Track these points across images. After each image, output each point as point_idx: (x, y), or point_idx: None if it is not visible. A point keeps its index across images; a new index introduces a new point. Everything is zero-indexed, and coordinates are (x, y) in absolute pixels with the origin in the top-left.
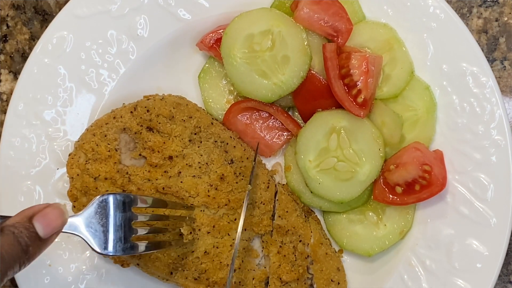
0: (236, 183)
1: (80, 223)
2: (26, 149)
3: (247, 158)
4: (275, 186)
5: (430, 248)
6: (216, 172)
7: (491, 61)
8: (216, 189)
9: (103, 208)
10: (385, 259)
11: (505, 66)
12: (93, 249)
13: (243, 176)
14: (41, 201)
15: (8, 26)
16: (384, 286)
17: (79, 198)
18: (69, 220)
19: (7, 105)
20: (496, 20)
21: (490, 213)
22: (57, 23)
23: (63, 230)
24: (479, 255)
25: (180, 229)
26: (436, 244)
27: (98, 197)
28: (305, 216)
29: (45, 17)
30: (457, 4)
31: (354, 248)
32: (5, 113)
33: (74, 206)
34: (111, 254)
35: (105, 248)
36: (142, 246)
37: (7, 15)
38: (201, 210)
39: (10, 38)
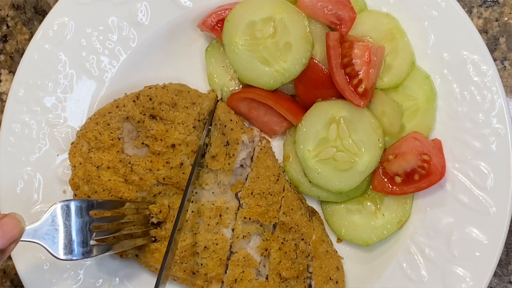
0: (229, 164)
1: (38, 231)
2: (26, 135)
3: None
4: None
5: (430, 236)
6: (211, 152)
7: None
8: (207, 167)
9: (60, 215)
10: (384, 248)
11: (505, 66)
12: (53, 255)
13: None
14: (41, 188)
15: (8, 26)
16: (383, 275)
17: (81, 186)
18: (27, 228)
19: None
20: (496, 20)
21: (490, 201)
22: (58, 10)
23: (22, 239)
24: (478, 244)
25: (148, 220)
26: (435, 232)
27: (54, 204)
28: (309, 216)
29: (45, 17)
30: None
31: (352, 238)
32: None
33: (76, 195)
34: (72, 259)
35: (65, 253)
36: (103, 247)
37: (7, 15)
38: (202, 204)
39: (10, 38)
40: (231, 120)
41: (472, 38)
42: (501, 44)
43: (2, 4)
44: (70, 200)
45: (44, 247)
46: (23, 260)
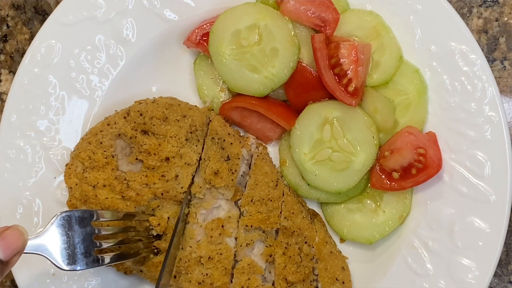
0: (232, 180)
1: (41, 242)
2: (22, 160)
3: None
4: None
5: (432, 229)
6: (212, 168)
7: (491, 61)
8: (210, 183)
9: (62, 226)
10: (387, 245)
11: (505, 66)
12: (57, 267)
13: (238, 173)
14: (40, 211)
15: (8, 26)
16: (389, 271)
17: (79, 207)
18: (30, 240)
19: None
20: (496, 20)
21: (489, 189)
22: (44, 32)
23: (25, 251)
24: (481, 233)
25: (148, 232)
26: (437, 225)
27: (56, 215)
28: (310, 218)
29: (45, 17)
30: (457, 4)
31: (355, 237)
32: None
33: None
34: (75, 269)
35: (69, 264)
36: (106, 258)
37: (7, 15)
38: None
39: (10, 38)
40: (229, 134)
41: (459, 28)
42: (501, 44)
43: (2, 4)
44: (72, 210)
45: (48, 259)
46: (26, 284)
